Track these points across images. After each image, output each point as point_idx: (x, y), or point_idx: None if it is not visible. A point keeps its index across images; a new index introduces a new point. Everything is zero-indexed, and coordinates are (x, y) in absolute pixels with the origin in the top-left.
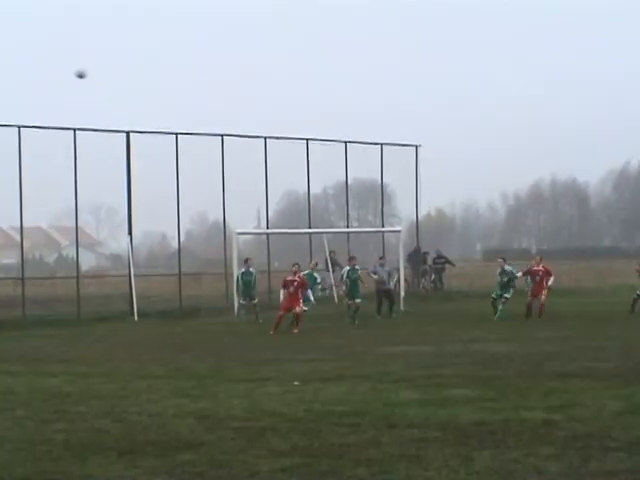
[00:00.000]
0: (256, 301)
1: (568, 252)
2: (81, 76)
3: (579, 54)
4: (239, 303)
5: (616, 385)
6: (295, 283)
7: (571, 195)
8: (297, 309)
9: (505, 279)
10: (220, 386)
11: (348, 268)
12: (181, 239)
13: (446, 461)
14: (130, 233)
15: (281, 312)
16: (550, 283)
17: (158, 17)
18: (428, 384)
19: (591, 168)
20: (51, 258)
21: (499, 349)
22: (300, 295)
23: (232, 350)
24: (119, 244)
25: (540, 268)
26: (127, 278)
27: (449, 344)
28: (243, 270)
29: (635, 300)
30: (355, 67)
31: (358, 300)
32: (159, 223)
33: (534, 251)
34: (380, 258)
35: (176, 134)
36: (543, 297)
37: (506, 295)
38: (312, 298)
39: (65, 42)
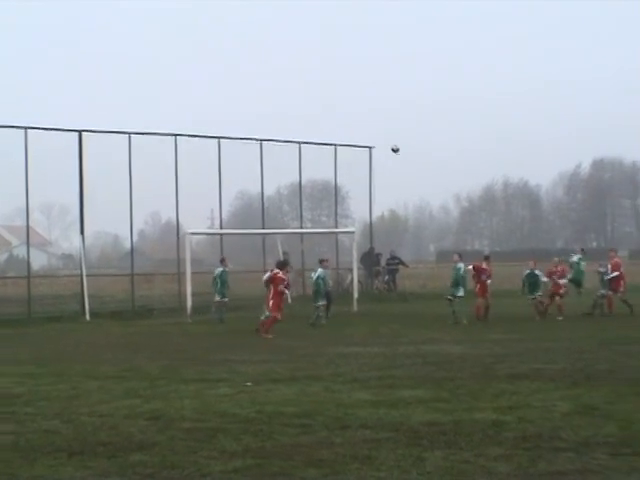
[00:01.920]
0: (227, 300)
1: (520, 254)
2: (395, 150)
3: (531, 59)
4: (216, 302)
5: (565, 386)
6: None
7: (523, 197)
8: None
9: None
10: (172, 387)
11: (322, 270)
12: (134, 239)
13: (398, 462)
14: (82, 233)
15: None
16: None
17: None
18: (381, 385)
19: (543, 171)
20: (2, 258)
21: (451, 350)
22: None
23: (184, 351)
24: (71, 244)
25: (558, 269)
26: (79, 278)
27: (402, 345)
28: (222, 269)
29: (595, 301)
30: (310, 69)
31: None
32: (112, 223)
33: (487, 252)
34: (323, 261)
35: (129, 134)
36: (558, 298)
37: (602, 292)
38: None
39: None
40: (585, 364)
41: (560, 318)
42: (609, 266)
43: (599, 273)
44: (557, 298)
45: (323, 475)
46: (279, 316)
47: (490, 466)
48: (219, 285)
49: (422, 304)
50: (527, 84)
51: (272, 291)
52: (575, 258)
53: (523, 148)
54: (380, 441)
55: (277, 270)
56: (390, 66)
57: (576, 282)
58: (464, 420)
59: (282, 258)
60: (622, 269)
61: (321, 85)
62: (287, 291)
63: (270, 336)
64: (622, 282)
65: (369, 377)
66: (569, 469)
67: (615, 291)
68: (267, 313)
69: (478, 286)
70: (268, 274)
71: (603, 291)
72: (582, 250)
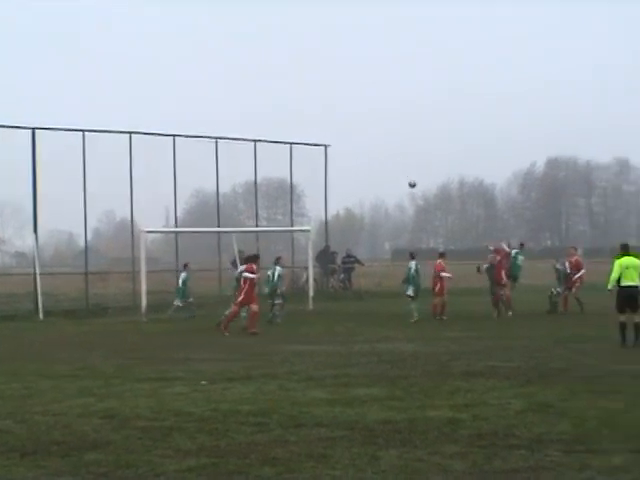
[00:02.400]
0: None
1: (475, 252)
2: (412, 185)
3: (486, 57)
4: (183, 304)
5: (519, 384)
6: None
7: (478, 196)
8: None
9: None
10: (126, 385)
11: (280, 268)
12: (88, 237)
13: (353, 460)
14: (35, 231)
15: (237, 308)
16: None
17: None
18: (336, 383)
19: (498, 169)
20: None
21: (406, 348)
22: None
23: (139, 349)
24: (24, 242)
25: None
26: (32, 277)
27: (357, 344)
28: (186, 274)
29: (550, 297)
30: (266, 66)
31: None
32: (66, 221)
33: (441, 249)
34: (280, 259)
35: (83, 131)
36: (574, 290)
37: (559, 289)
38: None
39: None
40: (540, 362)
41: (510, 313)
42: (567, 263)
43: (556, 270)
44: (574, 290)
45: (278, 473)
46: (255, 308)
47: (445, 464)
48: (184, 289)
49: (377, 302)
50: (482, 84)
51: (244, 286)
52: (512, 252)
53: (478, 147)
54: (335, 439)
55: (249, 263)
56: (344, 68)
57: (512, 276)
58: (419, 418)
59: (238, 256)
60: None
61: (282, 85)
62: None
63: (257, 331)
64: (579, 280)
65: (324, 375)
66: (523, 466)
67: (570, 289)
68: (227, 311)
69: (438, 285)
70: (241, 268)
71: (560, 289)
72: (521, 245)
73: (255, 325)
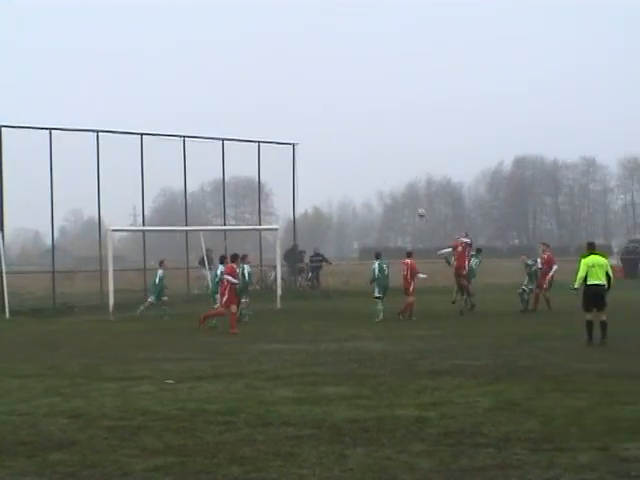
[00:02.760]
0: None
1: None
2: (422, 216)
3: (454, 56)
4: (157, 302)
5: (486, 382)
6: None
7: (446, 195)
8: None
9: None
10: (93, 385)
11: (248, 267)
12: (55, 236)
13: (320, 459)
14: (2, 229)
15: (222, 310)
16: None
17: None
18: (303, 382)
19: (465, 168)
20: None
21: (374, 347)
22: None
23: (106, 349)
24: None
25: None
26: None
27: (324, 342)
28: (162, 271)
29: (520, 295)
30: (234, 65)
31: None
32: (32, 220)
33: (409, 248)
34: (246, 257)
35: (50, 129)
36: (544, 287)
37: (530, 287)
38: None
39: None
40: (506, 360)
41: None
42: (539, 260)
43: (527, 266)
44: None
45: (246, 472)
46: (234, 309)
47: (412, 462)
48: (161, 287)
49: (345, 301)
50: (451, 82)
51: (225, 286)
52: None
53: (446, 146)
54: (302, 438)
55: (230, 263)
56: (312, 66)
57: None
58: (386, 417)
59: (205, 255)
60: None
61: (251, 84)
62: (234, 280)
63: (238, 331)
64: (551, 278)
65: (292, 374)
66: (490, 465)
67: (541, 287)
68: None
69: (412, 285)
70: (221, 268)
71: (532, 286)
72: (478, 250)
73: (236, 325)
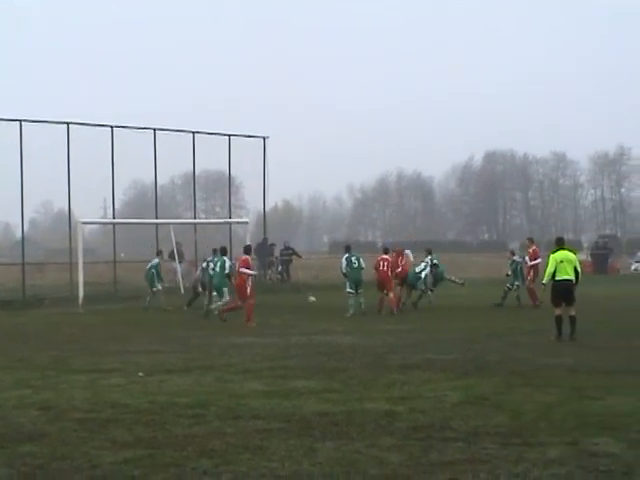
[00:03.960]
0: (161, 288)
1: (413, 245)
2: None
3: (423, 51)
4: (153, 291)
5: (455, 377)
6: None
7: (416, 189)
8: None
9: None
10: (62, 377)
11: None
12: (25, 228)
13: (290, 452)
14: None
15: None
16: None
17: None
18: (273, 375)
19: (436, 163)
20: None
21: (343, 341)
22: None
23: (75, 341)
24: None
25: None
26: None
27: (294, 336)
28: (157, 260)
29: (506, 292)
30: (205, 56)
31: None
32: (2, 211)
33: (380, 244)
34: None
35: (20, 121)
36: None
37: (517, 283)
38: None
39: None
40: (475, 355)
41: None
42: (526, 257)
43: (513, 262)
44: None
45: (215, 465)
46: (252, 301)
47: (382, 456)
48: (155, 275)
49: (315, 295)
50: (420, 76)
51: (243, 278)
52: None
53: (416, 140)
54: (272, 431)
55: (245, 256)
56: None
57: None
58: (356, 410)
59: (175, 248)
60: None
61: (223, 76)
62: (252, 272)
63: (254, 324)
64: (532, 272)
65: (261, 367)
66: (459, 459)
67: (526, 280)
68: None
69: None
70: (233, 262)
71: (517, 282)
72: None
73: (253, 318)
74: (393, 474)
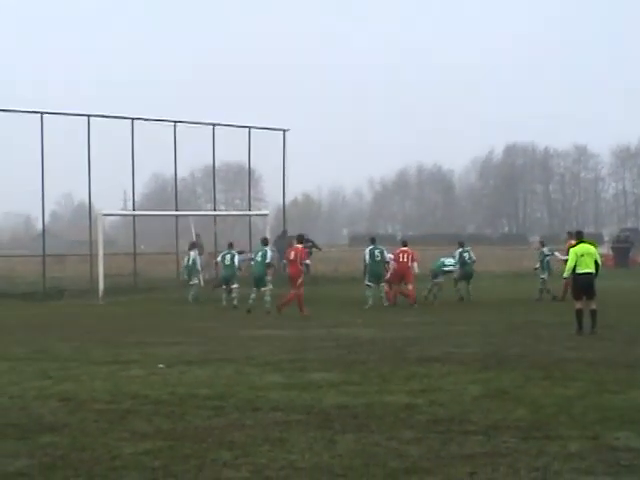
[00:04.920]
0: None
1: (433, 238)
2: None
3: (443, 44)
4: (195, 284)
5: (475, 370)
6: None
7: (436, 182)
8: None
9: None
10: (83, 368)
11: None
12: (46, 220)
13: (309, 444)
14: None
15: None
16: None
17: None
18: (292, 368)
19: (456, 156)
20: None
21: (363, 334)
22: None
23: (96, 332)
24: None
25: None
26: None
27: (313, 328)
28: (195, 253)
29: (543, 285)
30: (226, 49)
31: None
32: (23, 204)
33: (399, 237)
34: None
35: (41, 113)
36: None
37: (542, 276)
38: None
39: None
40: (495, 348)
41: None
42: (556, 252)
43: (541, 254)
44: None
45: (234, 457)
46: (301, 291)
47: (402, 449)
48: (194, 268)
49: (334, 287)
50: (438, 70)
51: (296, 267)
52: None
53: (437, 133)
54: (291, 424)
55: (298, 245)
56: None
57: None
58: (375, 403)
59: (195, 240)
60: None
61: (243, 68)
62: (307, 261)
63: (308, 313)
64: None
65: (281, 360)
66: (479, 452)
67: (551, 273)
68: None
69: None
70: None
71: (544, 276)
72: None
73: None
74: (413, 467)
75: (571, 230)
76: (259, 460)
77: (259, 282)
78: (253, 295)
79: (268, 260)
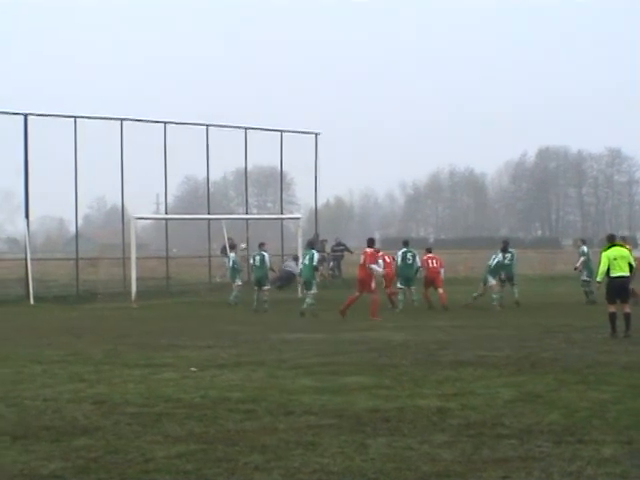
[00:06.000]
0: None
1: (465, 242)
2: None
3: (474, 49)
4: (238, 286)
5: (508, 373)
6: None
7: (469, 186)
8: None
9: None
10: (116, 371)
11: (266, 255)
12: (79, 224)
13: (341, 448)
14: (27, 217)
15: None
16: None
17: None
18: (324, 371)
19: (489, 159)
20: None
21: (395, 337)
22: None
23: (128, 335)
24: (16, 228)
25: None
26: (23, 262)
27: (345, 332)
28: (235, 255)
29: (588, 286)
30: (259, 53)
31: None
32: (57, 207)
33: (432, 240)
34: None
35: (75, 117)
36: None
37: (583, 278)
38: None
39: None
40: (529, 352)
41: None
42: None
43: (582, 254)
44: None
45: (267, 461)
46: (377, 295)
47: (434, 453)
48: (235, 270)
49: None
50: (472, 74)
51: (365, 271)
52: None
53: (469, 137)
54: (323, 427)
55: (368, 250)
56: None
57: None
58: (407, 407)
59: (227, 243)
60: None
61: (275, 71)
62: (379, 269)
63: (380, 319)
64: None
65: (313, 363)
66: (512, 456)
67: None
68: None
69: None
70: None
71: (584, 277)
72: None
73: (378, 313)
74: (445, 471)
75: (621, 234)
76: (291, 464)
77: (307, 285)
78: (308, 299)
79: (315, 263)
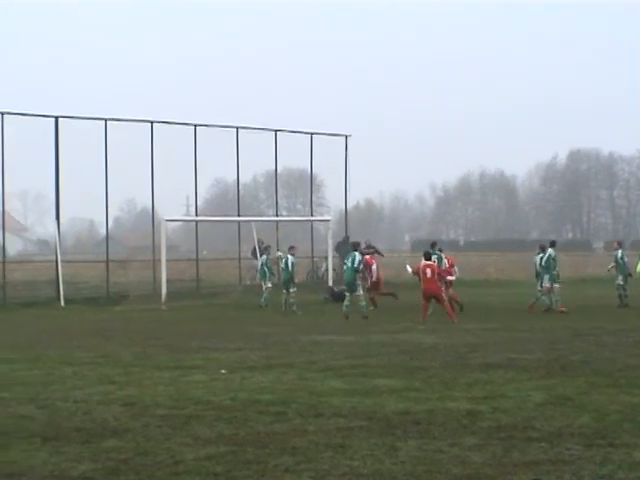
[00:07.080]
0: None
1: (496, 244)
2: None
3: (507, 49)
4: (268, 288)
5: (539, 376)
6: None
7: (499, 188)
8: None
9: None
10: (146, 373)
11: (293, 257)
12: (109, 226)
13: (371, 450)
14: (57, 219)
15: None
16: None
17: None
18: (354, 374)
19: (519, 161)
20: None
21: (425, 340)
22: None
23: (158, 337)
24: (46, 230)
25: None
26: (54, 264)
27: (375, 334)
28: (266, 257)
29: (617, 289)
30: (288, 56)
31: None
32: (87, 209)
33: (462, 242)
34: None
35: (105, 120)
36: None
37: (617, 282)
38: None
39: None
40: (559, 355)
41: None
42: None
43: (619, 259)
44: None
45: (296, 463)
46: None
47: (464, 456)
48: (266, 272)
49: (397, 293)
50: (505, 74)
51: (433, 284)
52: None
53: (500, 138)
54: (353, 429)
55: (428, 262)
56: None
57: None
58: (438, 409)
59: (257, 246)
60: None
61: (305, 74)
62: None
63: (457, 319)
64: None
65: (343, 365)
66: (542, 459)
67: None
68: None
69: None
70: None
71: (618, 281)
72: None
73: (454, 314)
74: (475, 474)
75: None
76: (321, 466)
77: (351, 287)
78: (346, 302)
79: (356, 265)
